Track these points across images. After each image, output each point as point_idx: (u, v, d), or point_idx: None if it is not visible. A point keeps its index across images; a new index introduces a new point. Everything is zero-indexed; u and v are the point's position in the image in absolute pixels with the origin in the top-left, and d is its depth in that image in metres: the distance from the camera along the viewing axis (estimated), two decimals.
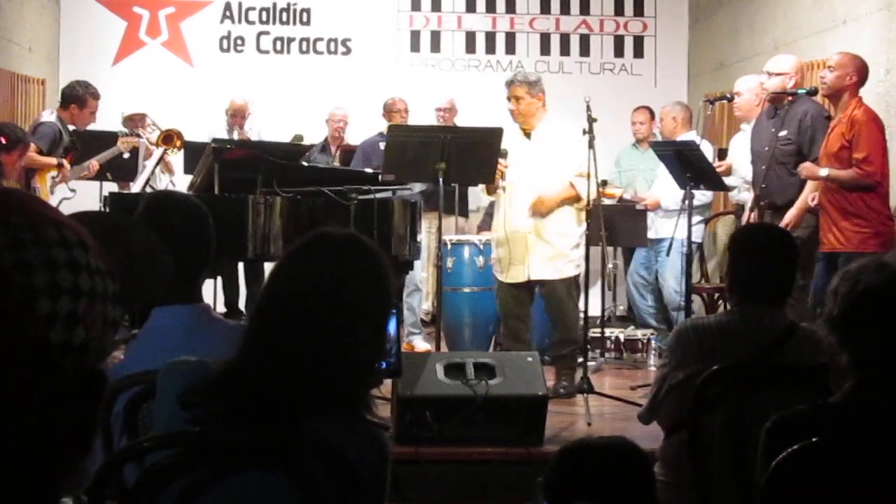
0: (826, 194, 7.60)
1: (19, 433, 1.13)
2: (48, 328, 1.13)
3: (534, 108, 8.06)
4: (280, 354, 2.49)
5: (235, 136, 10.87)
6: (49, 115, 9.86)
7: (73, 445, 1.19)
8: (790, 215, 7.83)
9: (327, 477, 2.40)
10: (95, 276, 1.18)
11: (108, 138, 10.04)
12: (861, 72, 7.58)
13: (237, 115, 11.20)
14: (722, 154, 9.52)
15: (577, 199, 8.02)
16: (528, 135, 8.12)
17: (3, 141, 8.53)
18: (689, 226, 8.14)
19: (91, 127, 10.23)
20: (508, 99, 8.11)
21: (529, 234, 7.99)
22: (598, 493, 2.73)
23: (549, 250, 7.99)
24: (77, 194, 9.68)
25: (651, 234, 9.65)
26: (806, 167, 7.63)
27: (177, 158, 10.37)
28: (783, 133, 7.96)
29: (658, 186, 9.61)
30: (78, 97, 9.83)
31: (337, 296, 2.53)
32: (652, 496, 2.79)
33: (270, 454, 2.45)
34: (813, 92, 8.00)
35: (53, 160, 9.37)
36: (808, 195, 7.84)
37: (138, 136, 10.21)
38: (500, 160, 7.92)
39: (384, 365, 3.10)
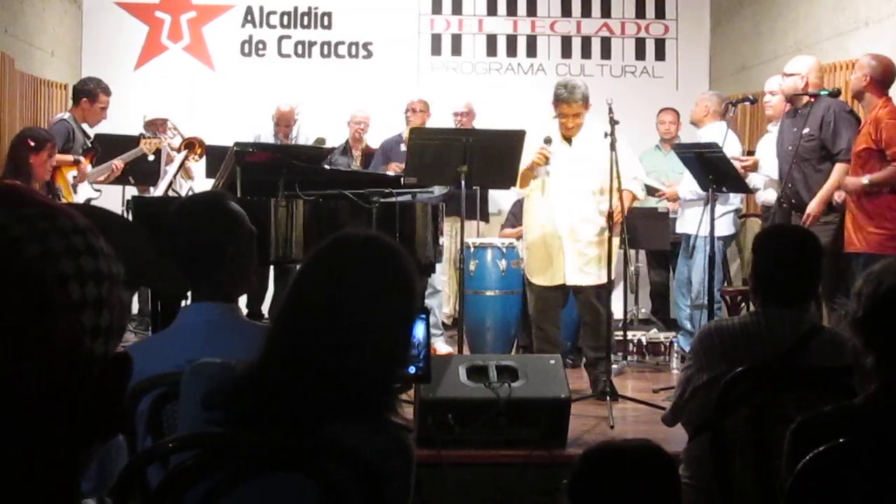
0: (851, 196, 7.59)
1: (56, 418, 1.15)
2: (80, 313, 1.15)
3: (583, 120, 8.10)
4: (303, 357, 2.48)
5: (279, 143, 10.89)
6: (63, 115, 9.93)
7: (103, 427, 1.21)
8: (812, 206, 7.83)
9: (351, 480, 2.39)
10: (110, 260, 1.20)
11: (129, 142, 10.08)
12: (878, 71, 7.57)
13: (280, 123, 11.18)
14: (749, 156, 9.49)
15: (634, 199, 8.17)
16: (567, 139, 8.10)
17: (32, 143, 8.59)
18: (712, 226, 8.10)
19: (112, 131, 10.27)
20: (563, 115, 8.05)
21: (565, 237, 7.99)
22: (623, 496, 2.72)
23: (585, 256, 7.99)
24: (100, 196, 9.71)
25: (679, 229, 9.60)
26: (849, 181, 7.60)
27: (199, 163, 10.40)
28: (806, 130, 7.96)
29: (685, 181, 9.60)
30: (89, 91, 9.88)
31: (360, 298, 2.51)
32: (677, 499, 2.77)
33: (294, 457, 2.45)
34: (835, 94, 7.99)
35: (69, 157, 9.41)
36: (831, 188, 7.83)
37: (160, 138, 10.24)
38: (545, 146, 7.92)
39: (413, 370, 3.07)
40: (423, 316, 3.12)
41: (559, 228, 8.02)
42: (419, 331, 3.08)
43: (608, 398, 7.33)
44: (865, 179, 7.47)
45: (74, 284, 1.15)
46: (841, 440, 2.61)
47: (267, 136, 10.94)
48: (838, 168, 7.85)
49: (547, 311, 8.17)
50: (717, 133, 9.22)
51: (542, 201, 8.09)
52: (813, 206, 7.85)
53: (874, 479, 2.61)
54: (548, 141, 7.96)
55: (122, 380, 1.22)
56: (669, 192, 9.67)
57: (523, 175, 8.03)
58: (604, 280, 7.97)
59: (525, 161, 7.93)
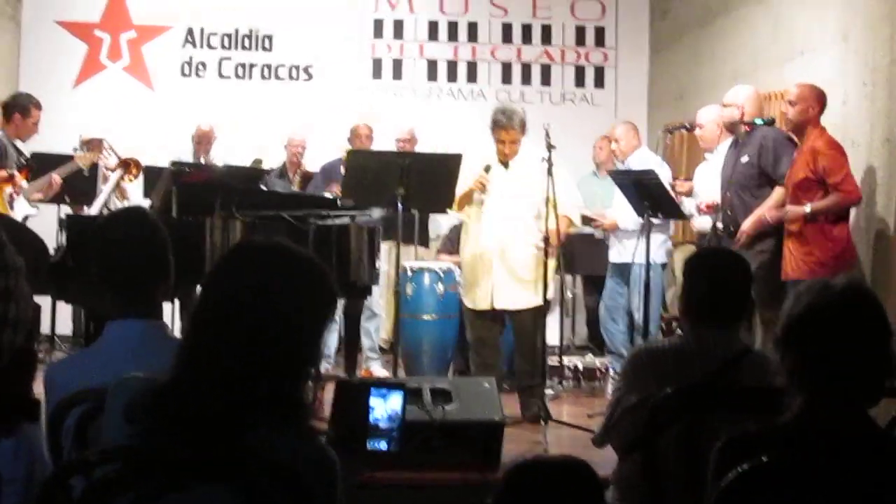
0: (789, 225, 7.64)
1: None
2: None
3: (520, 145, 8.12)
4: (212, 366, 2.48)
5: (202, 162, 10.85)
6: None
7: (18, 413, 1.20)
8: (746, 224, 7.86)
9: (275, 491, 2.38)
10: (13, 253, 1.19)
11: (66, 160, 10.00)
12: (821, 101, 7.65)
13: (202, 142, 11.19)
14: None
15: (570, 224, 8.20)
16: (504, 164, 8.13)
17: None
18: (648, 253, 8.15)
19: (50, 149, 10.19)
20: (501, 141, 8.09)
21: (496, 260, 8.00)
22: None
23: (520, 280, 8.00)
24: (38, 214, 9.63)
25: (615, 258, 9.63)
26: (790, 209, 7.63)
27: (135, 182, 10.33)
28: (745, 159, 8.02)
29: (614, 208, 9.63)
30: (21, 106, 9.81)
31: (260, 304, 2.52)
32: None
33: (215, 468, 2.43)
34: (770, 122, 8.07)
35: (3, 173, 9.33)
36: (766, 209, 7.87)
37: (94, 153, 10.17)
38: (483, 174, 7.94)
39: (386, 446, 3.01)
40: (402, 391, 3.03)
41: (494, 251, 8.03)
42: (395, 403, 2.99)
43: (542, 422, 7.35)
44: (808, 208, 7.52)
45: None
46: (764, 458, 2.63)
47: (186, 157, 10.89)
48: (777, 190, 7.91)
49: (484, 335, 8.17)
50: (645, 158, 9.33)
51: (478, 224, 8.12)
52: (747, 225, 7.87)
53: (797, 497, 2.62)
54: (487, 169, 8.00)
55: (28, 370, 1.21)
56: (607, 222, 9.65)
57: (460, 199, 8.07)
58: (539, 303, 8.00)
59: (463, 186, 7.96)
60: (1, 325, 1.07)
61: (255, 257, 2.62)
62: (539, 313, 8.10)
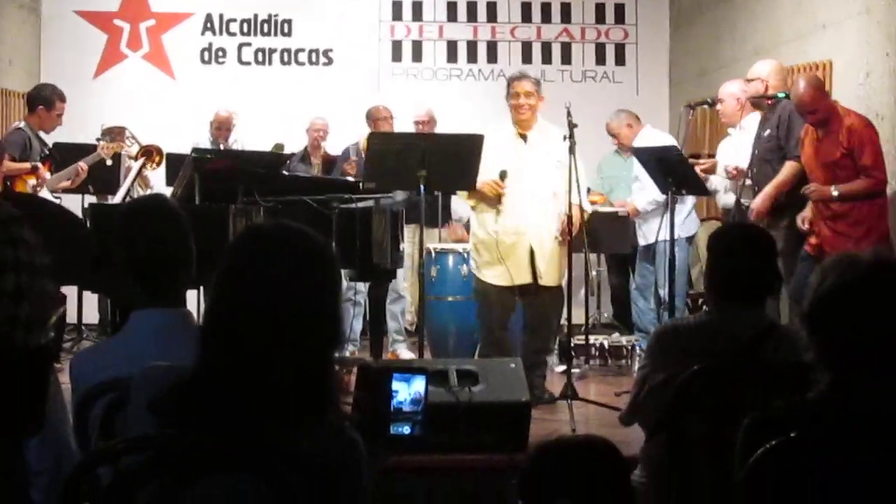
0: (821, 206, 7.61)
1: None
2: None
3: (537, 108, 8.04)
4: (231, 354, 2.47)
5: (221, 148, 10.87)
6: (18, 124, 9.87)
7: (25, 421, 1.18)
8: (757, 202, 7.86)
9: (299, 479, 2.37)
10: (33, 250, 1.18)
11: (89, 150, 10.03)
12: (824, 87, 7.63)
13: (222, 128, 11.22)
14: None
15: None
16: (522, 137, 8.06)
17: None
18: (672, 229, 8.10)
19: (71, 139, 10.22)
20: (515, 95, 8.01)
21: (532, 238, 7.94)
22: (571, 491, 2.71)
23: (549, 256, 7.92)
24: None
25: (642, 241, 9.63)
26: (816, 189, 7.59)
27: (158, 171, 10.36)
28: (767, 132, 8.02)
29: (633, 192, 9.62)
30: (45, 98, 9.83)
31: (273, 287, 2.50)
32: (626, 492, 2.77)
33: (238, 456, 2.42)
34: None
35: (27, 165, 9.37)
36: (777, 185, 7.85)
37: (118, 142, 10.20)
38: (499, 181, 7.87)
39: (410, 430, 2.97)
40: (425, 375, 3.00)
41: (517, 226, 7.96)
42: (419, 387, 2.95)
43: (569, 401, 7.34)
44: (835, 192, 7.47)
45: None
46: (792, 435, 2.61)
47: (204, 144, 10.91)
48: (788, 165, 7.89)
49: (504, 316, 8.09)
50: (649, 138, 9.31)
51: (497, 202, 8.00)
52: (758, 203, 7.89)
53: (824, 474, 2.61)
54: (502, 176, 7.90)
55: (42, 374, 1.19)
56: (629, 209, 9.63)
57: (472, 193, 7.98)
58: (559, 282, 7.96)
59: (479, 183, 7.87)
60: (11, 326, 1.05)
61: (261, 240, 2.60)
62: (560, 292, 8.05)
